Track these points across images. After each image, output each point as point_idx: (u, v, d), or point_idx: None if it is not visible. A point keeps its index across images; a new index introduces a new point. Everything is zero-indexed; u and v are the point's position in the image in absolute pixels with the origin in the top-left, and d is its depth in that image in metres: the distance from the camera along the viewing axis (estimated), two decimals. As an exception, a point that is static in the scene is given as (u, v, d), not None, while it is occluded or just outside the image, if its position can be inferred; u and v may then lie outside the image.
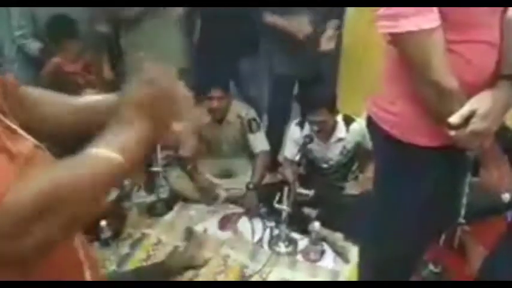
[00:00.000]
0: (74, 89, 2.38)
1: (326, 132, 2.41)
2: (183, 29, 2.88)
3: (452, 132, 1.04)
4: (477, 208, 1.97)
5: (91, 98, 0.77)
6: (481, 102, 1.02)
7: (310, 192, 2.40)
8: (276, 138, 2.84)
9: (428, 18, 0.98)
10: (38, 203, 0.47)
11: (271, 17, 2.49)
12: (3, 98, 0.65)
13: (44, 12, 2.39)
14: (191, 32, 2.88)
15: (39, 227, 0.48)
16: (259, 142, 2.65)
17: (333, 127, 2.43)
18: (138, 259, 2.18)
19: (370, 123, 1.27)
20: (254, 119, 2.65)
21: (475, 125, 1.01)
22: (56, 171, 0.52)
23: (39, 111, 0.73)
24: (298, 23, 2.44)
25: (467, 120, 1.02)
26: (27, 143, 0.62)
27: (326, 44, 2.50)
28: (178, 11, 2.64)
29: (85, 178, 0.52)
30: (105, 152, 0.54)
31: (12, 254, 0.48)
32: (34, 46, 2.46)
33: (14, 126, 0.62)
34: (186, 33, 2.88)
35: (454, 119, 1.02)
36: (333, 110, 2.36)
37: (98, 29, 2.54)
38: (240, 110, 2.64)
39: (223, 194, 2.63)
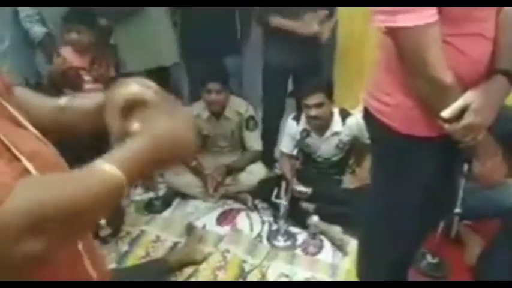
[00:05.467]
0: (79, 84, 2.37)
1: (322, 121, 2.40)
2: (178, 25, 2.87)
3: (446, 126, 1.05)
4: (482, 213, 1.99)
5: (75, 98, 0.75)
6: (474, 97, 1.02)
7: (309, 190, 2.41)
8: (271, 133, 2.86)
9: (425, 14, 0.98)
10: (36, 215, 0.47)
11: (277, 20, 2.46)
12: (6, 92, 0.65)
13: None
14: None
15: (36, 239, 0.47)
16: (254, 142, 2.71)
17: (329, 120, 2.43)
18: (137, 256, 2.18)
19: (367, 114, 1.27)
20: (253, 117, 2.68)
21: (468, 119, 1.02)
22: (57, 185, 0.51)
23: (24, 109, 0.72)
24: (306, 22, 2.43)
25: (461, 114, 1.03)
26: (32, 136, 0.62)
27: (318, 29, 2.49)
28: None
29: (85, 194, 0.51)
30: (111, 169, 0.53)
31: (9, 261, 0.48)
32: (40, 30, 2.42)
33: (20, 118, 0.62)
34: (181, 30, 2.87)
35: (446, 113, 1.03)
36: (330, 96, 2.36)
37: (99, 23, 2.51)
38: (238, 106, 2.66)
39: (230, 190, 2.65)
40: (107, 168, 0.53)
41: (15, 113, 0.62)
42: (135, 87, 0.65)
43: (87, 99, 0.73)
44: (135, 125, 0.62)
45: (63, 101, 0.74)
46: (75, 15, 2.34)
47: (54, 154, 0.65)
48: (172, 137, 0.60)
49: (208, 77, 2.53)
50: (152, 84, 0.67)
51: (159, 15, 2.56)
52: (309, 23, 2.42)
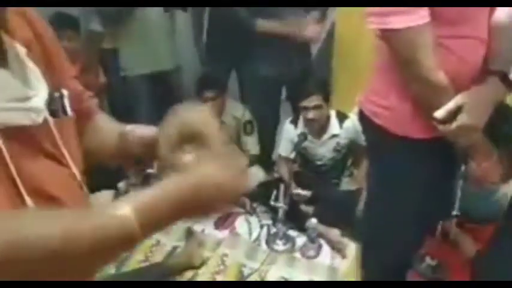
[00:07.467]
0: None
1: (320, 123, 2.41)
2: (192, 31, 2.89)
3: (440, 126, 1.06)
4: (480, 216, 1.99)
5: (137, 127, 0.73)
6: (468, 98, 1.03)
7: (308, 193, 2.41)
8: (267, 139, 2.85)
9: (417, 15, 0.99)
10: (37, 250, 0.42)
11: (267, 24, 2.38)
12: (82, 118, 0.66)
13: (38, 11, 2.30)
14: (199, 34, 2.88)
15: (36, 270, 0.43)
16: (252, 146, 2.71)
17: (326, 123, 2.44)
18: (136, 261, 2.17)
19: (362, 117, 1.28)
20: (250, 122, 2.67)
21: (461, 120, 1.03)
22: (63, 220, 0.46)
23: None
24: (297, 24, 2.38)
25: (455, 115, 1.03)
26: (63, 175, 0.59)
27: (312, 33, 2.44)
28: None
29: (86, 235, 0.45)
30: (128, 217, 0.47)
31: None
32: None
33: (65, 152, 0.59)
34: (194, 35, 2.89)
35: (439, 113, 1.04)
36: (326, 98, 2.36)
37: (92, 28, 2.49)
38: (235, 111, 2.65)
39: None
40: (123, 213, 0.47)
41: (62, 148, 0.58)
42: (195, 117, 0.61)
43: (147, 129, 0.71)
44: (187, 157, 0.58)
45: (127, 128, 0.73)
46: (60, 19, 2.28)
47: (82, 196, 0.62)
48: (216, 187, 0.53)
49: (204, 84, 2.52)
50: (212, 118, 0.63)
51: (159, 17, 2.54)
52: (302, 26, 2.37)
